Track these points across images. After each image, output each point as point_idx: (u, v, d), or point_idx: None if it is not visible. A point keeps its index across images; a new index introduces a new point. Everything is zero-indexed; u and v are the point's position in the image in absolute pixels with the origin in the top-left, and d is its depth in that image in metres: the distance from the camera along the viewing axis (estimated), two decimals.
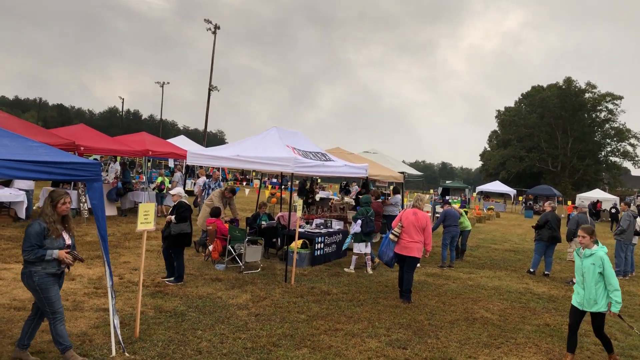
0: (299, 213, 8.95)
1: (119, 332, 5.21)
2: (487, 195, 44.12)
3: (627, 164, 67.96)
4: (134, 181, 17.74)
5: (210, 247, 9.97)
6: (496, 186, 42.12)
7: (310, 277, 9.42)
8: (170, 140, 25.24)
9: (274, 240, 11.27)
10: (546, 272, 11.47)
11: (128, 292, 7.40)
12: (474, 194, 44.80)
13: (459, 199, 41.62)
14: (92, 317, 6.18)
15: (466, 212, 25.07)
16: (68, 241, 4.85)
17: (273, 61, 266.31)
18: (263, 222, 11.33)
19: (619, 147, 66.85)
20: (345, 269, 10.23)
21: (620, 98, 65.24)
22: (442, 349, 6.02)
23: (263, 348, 5.58)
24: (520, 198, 42.91)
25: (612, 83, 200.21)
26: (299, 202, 9.03)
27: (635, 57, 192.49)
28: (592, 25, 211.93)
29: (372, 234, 10.21)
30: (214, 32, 49.51)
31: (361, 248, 10.18)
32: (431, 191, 46.26)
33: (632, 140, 64.94)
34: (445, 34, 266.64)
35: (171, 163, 26.52)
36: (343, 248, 10.94)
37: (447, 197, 41.58)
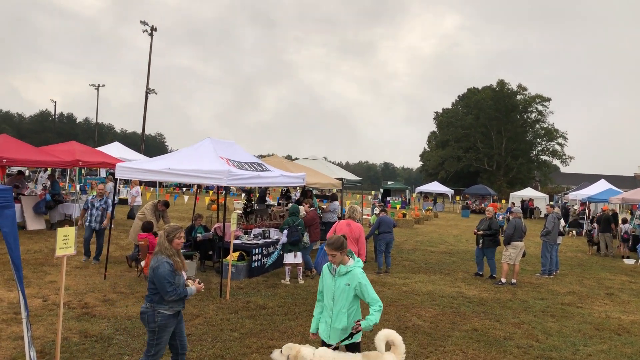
0: (234, 227, 8.84)
1: None
2: (426, 196, 45.33)
3: (556, 162, 71.79)
4: (64, 192, 16.98)
5: (143, 263, 9.68)
6: (435, 186, 43.37)
7: (246, 290, 9.33)
8: (104, 148, 24.39)
9: (210, 252, 11.09)
10: (493, 275, 11.91)
11: (52, 316, 7.05)
12: (414, 195, 45.91)
13: (400, 199, 42.59)
14: (9, 347, 5.85)
15: (405, 215, 25.70)
16: (185, 276, 4.80)
17: (214, 62, 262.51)
18: (199, 235, 11.12)
19: (548, 147, 70.49)
20: (282, 280, 10.21)
21: (549, 100, 68.90)
22: None
23: None
24: (458, 198, 44.34)
25: (540, 85, 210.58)
26: (233, 216, 8.91)
27: (561, 60, 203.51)
28: (523, 28, 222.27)
29: (300, 243, 10.21)
30: (151, 34, 48.21)
31: (290, 258, 10.18)
32: (372, 192, 47.01)
33: (560, 140, 68.69)
34: (385, 35, 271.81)
35: (103, 173, 25.57)
36: (268, 263, 10.84)
37: (388, 199, 42.49)
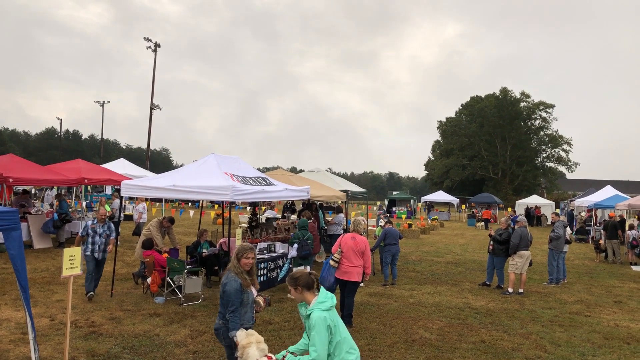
0: (239, 241, 8.86)
1: None
2: (431, 205, 45.24)
3: (562, 168, 71.58)
4: (71, 210, 17.09)
5: (149, 280, 9.72)
6: (440, 196, 43.30)
7: None
8: (110, 164, 24.56)
9: (216, 268, 11.11)
10: (501, 286, 11.87)
11: (59, 336, 7.07)
12: (419, 204, 45.83)
13: (405, 209, 42.52)
14: None
15: (410, 225, 25.66)
16: (255, 292, 4.88)
17: (218, 76, 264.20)
18: (204, 251, 11.15)
19: (553, 153, 70.38)
20: (289, 295, 10.20)
21: (552, 106, 68.92)
22: None
23: None
24: (463, 207, 44.21)
25: (544, 91, 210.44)
26: (238, 231, 8.95)
27: (564, 66, 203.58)
28: (525, 34, 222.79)
29: (310, 257, 10.25)
30: (154, 50, 48.77)
31: None
32: (378, 203, 46.95)
33: (565, 146, 68.57)
34: (386, 45, 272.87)
35: (109, 190, 25.69)
36: (280, 277, 10.85)
37: (394, 209, 42.44)
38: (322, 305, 3.94)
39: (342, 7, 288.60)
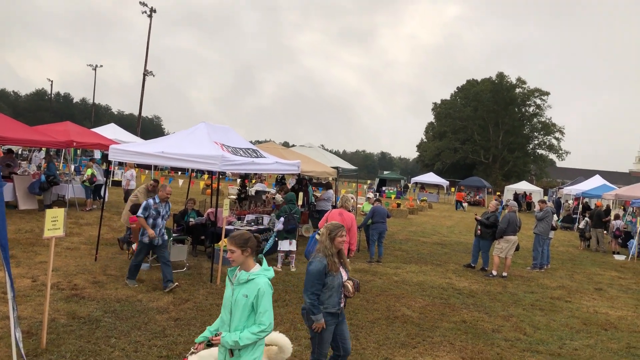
0: (226, 212, 8.82)
1: (20, 345, 4.94)
2: (422, 187, 45.37)
3: (552, 157, 71.90)
4: (58, 172, 16.89)
5: (134, 246, 9.66)
6: (430, 177, 43.39)
7: None
8: (100, 129, 24.26)
9: (203, 237, 11.08)
10: (485, 268, 11.96)
11: (40, 297, 7.03)
12: (410, 185, 45.97)
13: (395, 189, 42.64)
14: None
15: (399, 205, 25.74)
16: (345, 276, 4.63)
17: (214, 46, 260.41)
18: (191, 219, 11.10)
19: (545, 141, 70.52)
20: (274, 267, 10.21)
21: (547, 94, 68.76)
22: (360, 350, 6.13)
23: (179, 356, 5.48)
24: (453, 189, 44.40)
25: (540, 78, 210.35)
26: (226, 202, 8.89)
27: (561, 54, 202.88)
28: (525, 21, 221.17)
29: (295, 230, 10.22)
30: (150, 16, 47.83)
31: (284, 245, 10.19)
32: (368, 181, 47.01)
33: (557, 134, 68.74)
34: (385, 23, 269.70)
35: (97, 154, 25.42)
36: (265, 249, 10.80)
37: (384, 189, 42.51)
38: (268, 273, 3.63)
39: None
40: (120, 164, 26.64)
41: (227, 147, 9.66)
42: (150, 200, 8.10)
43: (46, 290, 5.40)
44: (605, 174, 32.76)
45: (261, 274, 3.56)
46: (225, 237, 10.49)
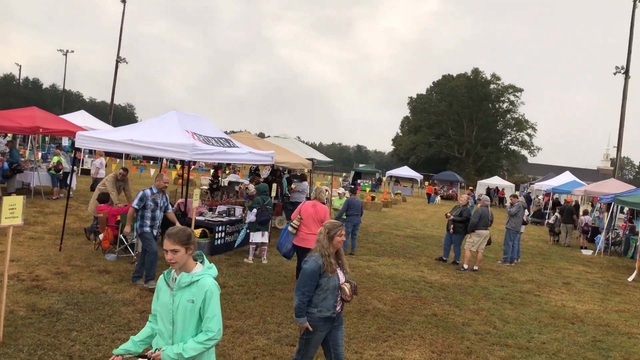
0: (196, 202, 8.62)
1: None
2: (397, 180, 45.62)
3: (524, 152, 73.24)
4: (22, 160, 16.35)
5: (101, 236, 9.40)
6: (405, 171, 43.68)
7: None
8: (69, 116, 23.57)
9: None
10: (457, 262, 12.01)
11: None
12: (384, 178, 46.19)
13: (370, 182, 42.77)
14: None
15: (373, 198, 25.80)
16: (342, 278, 4.37)
17: (190, 34, 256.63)
18: None
19: (517, 137, 71.86)
20: (245, 260, 10.07)
21: (521, 90, 70.01)
22: None
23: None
24: (427, 183, 44.77)
25: (514, 75, 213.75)
26: (196, 192, 8.69)
27: (535, 53, 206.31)
28: (500, 18, 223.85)
29: (268, 222, 10.08)
30: (123, 1, 46.78)
31: (257, 238, 10.04)
32: (343, 174, 47.06)
33: (529, 131, 70.04)
34: (363, 15, 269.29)
35: (65, 142, 24.72)
36: (237, 242, 10.63)
37: (359, 181, 42.60)
38: (212, 272, 3.22)
39: None
40: (91, 152, 25.99)
41: (199, 136, 9.44)
42: (147, 191, 7.60)
43: (3, 280, 5.17)
44: (574, 171, 33.43)
45: (205, 274, 3.15)
46: (195, 228, 10.30)
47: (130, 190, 11.22)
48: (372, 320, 7.11)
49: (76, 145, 9.36)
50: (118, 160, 33.93)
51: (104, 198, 9.96)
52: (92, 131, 10.71)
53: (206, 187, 14.70)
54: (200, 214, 11.19)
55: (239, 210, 11.62)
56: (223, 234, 10.51)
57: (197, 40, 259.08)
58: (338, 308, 4.36)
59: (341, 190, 18.93)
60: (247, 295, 7.69)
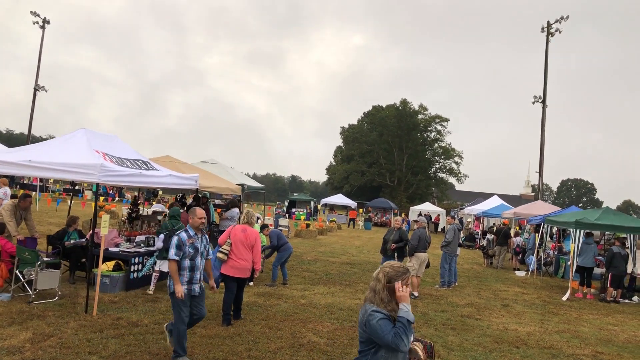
0: (105, 230, 7.58)
1: None
2: (332, 208, 45.32)
3: (452, 180, 75.59)
4: None
5: None
6: (339, 199, 43.50)
7: (120, 304, 8.07)
8: None
9: (83, 260, 9.64)
10: None
11: None
12: (319, 206, 45.78)
13: (305, 211, 42.17)
14: None
15: (308, 225, 25.15)
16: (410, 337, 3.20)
17: (117, 64, 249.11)
18: (72, 241, 9.64)
19: (445, 165, 74.09)
20: (147, 291, 9.02)
21: (447, 120, 72.58)
22: None
23: None
24: (361, 210, 44.79)
25: (440, 106, 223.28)
26: (104, 218, 7.65)
27: (459, 83, 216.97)
28: (426, 50, 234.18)
29: None
30: (42, 27, 44.32)
31: (165, 267, 9.00)
32: (277, 203, 46.23)
33: (456, 159, 72.48)
34: (293, 48, 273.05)
35: None
36: (143, 272, 9.49)
37: (293, 210, 41.91)
38: None
39: (250, 4, 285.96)
40: None
41: (111, 157, 8.45)
42: (183, 235, 5.75)
43: None
44: (499, 197, 34.41)
45: None
46: (109, 261, 9.17)
47: (32, 220, 9.92)
48: (306, 356, 6.34)
49: None
50: (34, 192, 31.29)
51: None
52: None
53: (124, 218, 13.46)
54: (116, 245, 10.07)
55: (158, 240, 10.55)
56: (140, 266, 9.44)
57: (124, 71, 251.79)
58: None
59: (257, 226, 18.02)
60: (163, 334, 6.69)
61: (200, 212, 5.90)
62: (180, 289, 5.54)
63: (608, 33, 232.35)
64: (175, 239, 5.71)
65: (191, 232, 5.81)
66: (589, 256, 13.11)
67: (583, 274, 13.17)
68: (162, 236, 9.05)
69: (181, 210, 10.88)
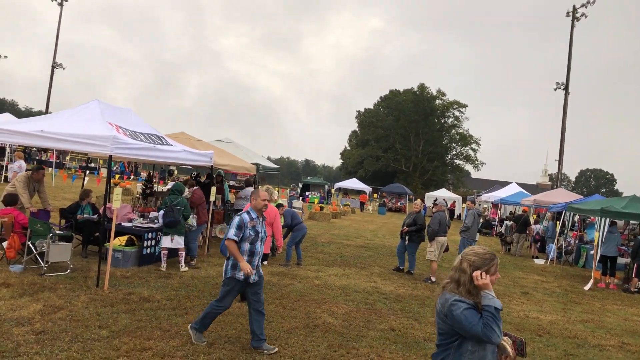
0: (117, 204, 7.41)
1: None
2: (345, 192, 45.07)
3: (468, 167, 74.72)
4: None
5: (5, 244, 7.99)
6: (353, 183, 43.19)
7: (132, 280, 7.92)
8: None
9: (96, 234, 9.51)
10: (411, 271, 11.25)
11: None
12: (333, 190, 45.57)
13: (318, 194, 41.97)
14: None
15: (322, 208, 24.94)
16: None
17: (134, 43, 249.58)
18: (86, 215, 9.51)
19: (462, 151, 73.20)
20: (160, 268, 8.87)
21: (465, 106, 71.45)
22: None
23: None
24: (375, 195, 44.48)
25: (458, 91, 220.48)
26: (117, 191, 7.47)
27: (478, 69, 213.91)
28: (446, 35, 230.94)
29: (177, 225, 8.86)
30: (61, 4, 44.29)
31: (166, 242, 8.85)
32: (291, 185, 46.09)
33: (474, 146, 71.51)
34: (311, 31, 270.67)
35: None
36: (158, 249, 9.33)
37: (307, 193, 41.72)
38: None
39: None
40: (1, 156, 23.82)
41: (125, 130, 8.23)
42: (245, 216, 5.38)
43: None
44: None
45: None
46: (122, 236, 9.03)
47: (45, 193, 9.80)
48: (321, 337, 6.12)
49: None
50: (50, 169, 31.45)
51: (10, 200, 8.56)
52: None
53: (139, 194, 13.33)
54: (130, 221, 9.93)
55: None
56: (153, 242, 9.29)
57: (141, 50, 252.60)
58: None
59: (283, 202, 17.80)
60: (175, 310, 6.54)
61: (263, 194, 5.51)
62: (246, 266, 5.17)
63: (635, 21, 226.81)
64: (237, 219, 5.33)
65: (253, 215, 5.43)
66: (612, 245, 12.70)
67: (606, 264, 12.78)
68: (162, 212, 8.88)
69: (195, 187, 10.70)
